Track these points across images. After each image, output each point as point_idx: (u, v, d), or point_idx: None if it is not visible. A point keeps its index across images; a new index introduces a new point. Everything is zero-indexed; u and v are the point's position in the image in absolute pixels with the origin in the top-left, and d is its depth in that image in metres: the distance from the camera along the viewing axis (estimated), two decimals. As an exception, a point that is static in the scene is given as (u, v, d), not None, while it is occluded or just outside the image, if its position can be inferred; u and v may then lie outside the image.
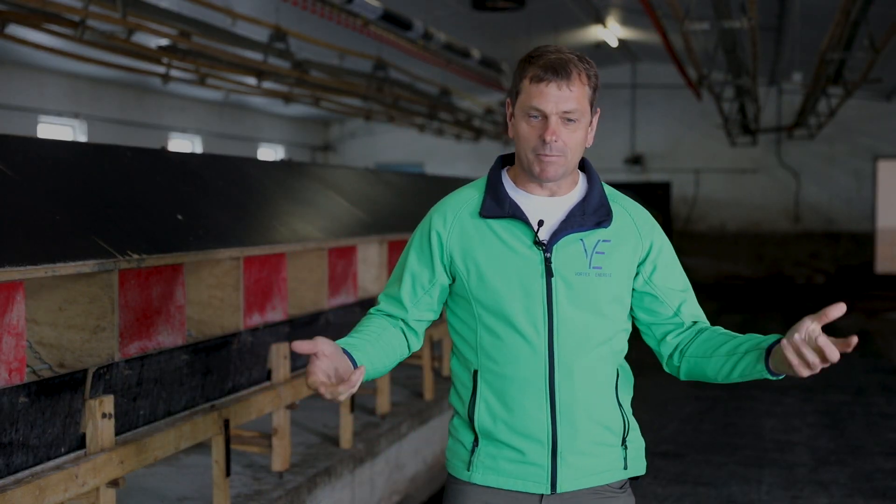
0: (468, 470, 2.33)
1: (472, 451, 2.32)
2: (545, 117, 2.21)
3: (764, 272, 20.94)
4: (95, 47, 9.77)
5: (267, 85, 13.62)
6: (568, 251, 2.26)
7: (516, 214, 2.27)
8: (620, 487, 2.36)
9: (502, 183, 2.33)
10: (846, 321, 14.41)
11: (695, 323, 2.37)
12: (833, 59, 11.27)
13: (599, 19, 16.01)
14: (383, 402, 5.82)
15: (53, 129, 14.17)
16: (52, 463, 3.10)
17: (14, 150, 3.57)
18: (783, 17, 13.27)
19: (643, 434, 2.54)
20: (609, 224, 2.30)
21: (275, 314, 4.45)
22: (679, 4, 8.66)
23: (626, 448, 2.36)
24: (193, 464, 4.76)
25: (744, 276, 21.00)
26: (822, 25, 11.29)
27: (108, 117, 15.00)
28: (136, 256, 3.40)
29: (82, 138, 14.39)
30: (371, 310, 2.42)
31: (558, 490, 2.28)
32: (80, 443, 3.22)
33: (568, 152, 2.24)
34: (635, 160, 21.26)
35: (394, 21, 10.35)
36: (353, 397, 5.18)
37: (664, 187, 21.41)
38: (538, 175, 2.25)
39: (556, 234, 2.26)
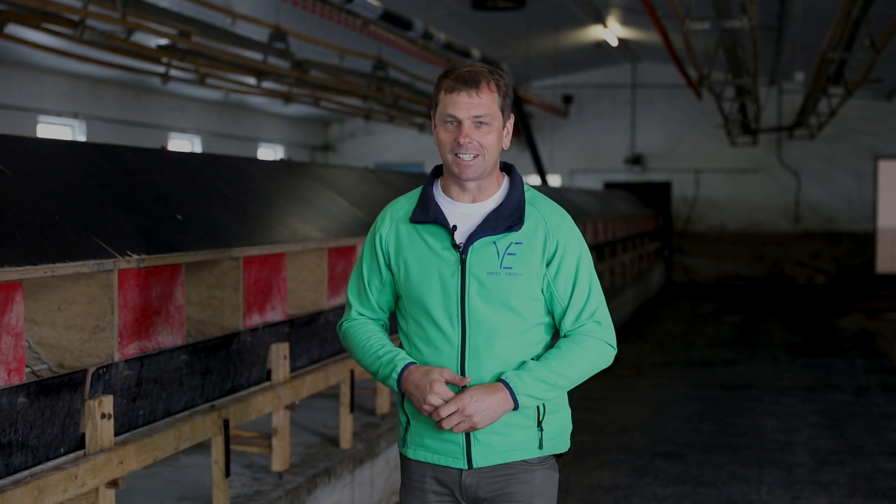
0: (404, 446, 2.67)
1: (406, 430, 2.65)
2: (459, 123, 2.51)
3: (764, 272, 20.93)
4: (95, 47, 9.77)
5: (267, 85, 13.63)
6: (482, 253, 2.55)
7: (438, 220, 2.58)
8: (540, 463, 2.62)
9: (432, 192, 2.64)
10: (847, 321, 14.41)
11: (564, 337, 2.62)
12: (834, 58, 11.26)
13: (599, 19, 16.00)
14: (383, 403, 5.82)
15: (53, 128, 14.15)
16: (51, 463, 3.09)
17: (14, 150, 3.57)
18: (783, 16, 13.27)
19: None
20: (520, 228, 2.56)
21: (274, 314, 4.45)
22: (679, 4, 8.65)
23: (541, 430, 2.59)
24: (193, 464, 4.76)
25: (744, 276, 20.99)
26: (822, 25, 11.28)
27: (108, 117, 14.99)
28: (135, 256, 3.39)
29: (82, 138, 14.38)
30: (358, 319, 2.71)
31: (474, 465, 2.57)
32: (80, 443, 3.22)
33: (484, 152, 2.53)
34: (635, 160, 21.25)
35: (394, 21, 10.34)
36: (352, 398, 5.17)
37: (664, 187, 21.40)
38: (458, 175, 2.55)
39: (472, 238, 2.55)
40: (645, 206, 19.78)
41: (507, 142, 2.59)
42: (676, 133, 21.08)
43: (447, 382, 2.49)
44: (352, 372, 5.17)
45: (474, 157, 2.51)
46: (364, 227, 5.65)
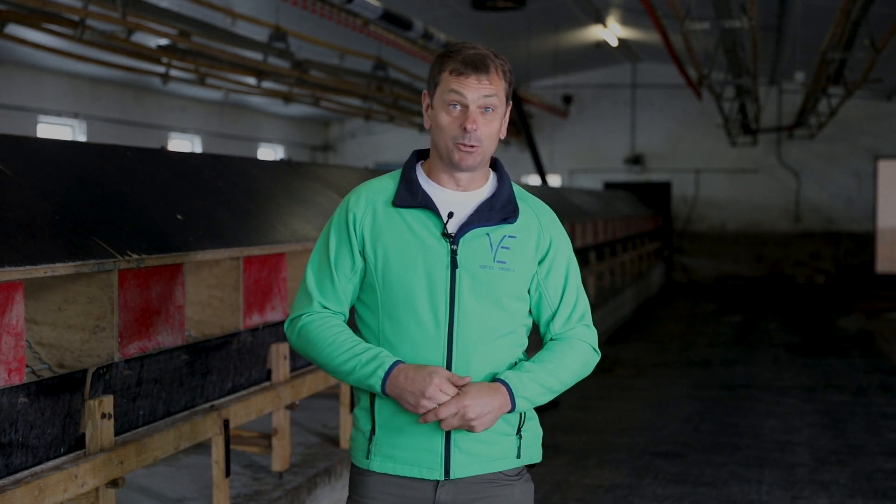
0: (367, 458, 2.40)
1: (371, 440, 2.39)
2: (465, 108, 2.33)
3: (764, 272, 20.94)
4: (95, 47, 9.78)
5: (267, 85, 13.63)
6: (474, 244, 2.36)
7: (428, 205, 2.37)
8: (516, 475, 2.43)
9: (416, 175, 2.43)
10: (847, 321, 14.41)
11: (552, 340, 2.46)
12: (833, 58, 11.26)
13: (599, 19, 16.00)
14: (383, 403, 5.81)
15: (53, 128, 14.16)
16: (51, 463, 3.09)
17: (14, 150, 3.57)
18: (783, 16, 13.26)
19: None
20: (515, 220, 2.40)
21: (274, 314, 4.45)
22: (679, 4, 8.66)
23: (520, 437, 2.41)
24: (193, 464, 4.75)
25: (744, 276, 20.99)
26: (822, 25, 11.29)
27: (108, 117, 15.00)
28: (135, 256, 3.39)
29: (82, 138, 14.39)
30: (322, 312, 2.42)
31: (451, 476, 2.35)
32: (80, 443, 3.22)
33: (485, 141, 2.34)
34: (635, 160, 21.25)
35: (394, 21, 10.34)
36: (353, 397, 5.17)
37: (664, 187, 21.40)
38: (457, 163, 2.35)
39: (464, 228, 2.36)
40: (645, 206, 19.79)
41: (504, 131, 2.41)
42: (676, 133, 21.09)
43: None
44: (352, 372, 5.16)
45: (476, 145, 2.33)
46: (364, 227, 5.63)
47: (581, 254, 11.44)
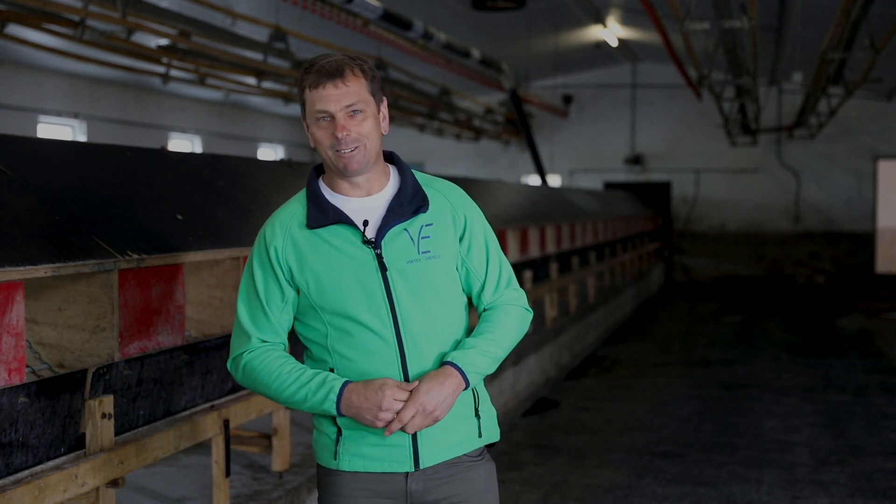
0: (335, 459, 2.46)
1: (337, 441, 2.45)
2: (332, 117, 2.37)
3: (764, 272, 20.94)
4: (95, 47, 9.77)
5: (267, 85, 13.62)
6: (396, 243, 2.42)
7: (341, 219, 2.42)
8: (479, 455, 2.53)
9: (321, 192, 2.47)
10: (847, 321, 14.41)
11: (485, 310, 2.56)
12: (833, 58, 11.27)
13: (599, 19, 16.01)
14: (383, 402, 5.81)
15: (53, 128, 14.16)
16: (51, 463, 3.09)
17: (14, 150, 3.57)
18: (783, 16, 13.26)
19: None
20: (427, 209, 2.46)
21: (275, 314, 4.44)
22: (679, 4, 8.66)
23: (479, 418, 2.51)
24: (193, 464, 4.76)
25: (744, 276, 20.99)
26: (822, 25, 11.29)
27: (108, 117, 14.99)
28: (135, 256, 3.39)
29: (82, 138, 14.38)
30: (261, 347, 2.48)
31: (421, 465, 2.43)
32: (80, 443, 3.22)
33: (365, 141, 2.39)
34: (635, 160, 21.25)
35: (394, 21, 10.35)
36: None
37: (664, 187, 21.40)
38: (344, 170, 2.40)
39: (382, 230, 2.42)
40: (645, 206, 19.78)
41: (385, 126, 2.46)
42: (676, 133, 21.09)
43: None
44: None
45: (355, 148, 2.38)
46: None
47: (581, 254, 11.45)
